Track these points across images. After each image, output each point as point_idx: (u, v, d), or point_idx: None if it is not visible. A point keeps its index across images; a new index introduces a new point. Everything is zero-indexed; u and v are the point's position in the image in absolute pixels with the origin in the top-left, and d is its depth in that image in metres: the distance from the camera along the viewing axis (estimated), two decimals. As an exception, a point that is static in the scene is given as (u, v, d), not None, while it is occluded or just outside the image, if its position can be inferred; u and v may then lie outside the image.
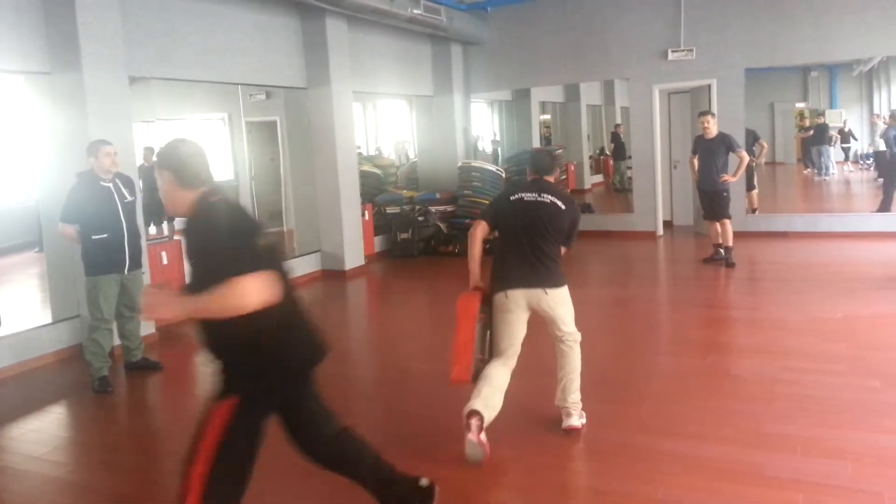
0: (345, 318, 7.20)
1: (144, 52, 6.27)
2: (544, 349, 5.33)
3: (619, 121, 16.54)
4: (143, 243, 5.26)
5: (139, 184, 5.76)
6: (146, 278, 5.89)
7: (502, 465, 3.55)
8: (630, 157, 10.81)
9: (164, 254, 6.37)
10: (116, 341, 5.28)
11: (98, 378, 4.89)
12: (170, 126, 11.21)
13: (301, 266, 8.38)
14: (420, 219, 9.82)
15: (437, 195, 10.03)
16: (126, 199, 4.92)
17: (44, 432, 4.41)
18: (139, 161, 6.53)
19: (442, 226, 9.83)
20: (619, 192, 15.06)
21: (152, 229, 8.54)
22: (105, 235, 4.85)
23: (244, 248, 2.20)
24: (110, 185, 4.90)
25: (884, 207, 9.75)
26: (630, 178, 11.17)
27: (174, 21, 6.62)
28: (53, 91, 5.61)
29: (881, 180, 11.87)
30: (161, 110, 10.11)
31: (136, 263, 5.06)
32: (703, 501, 3.05)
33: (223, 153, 11.72)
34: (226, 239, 2.22)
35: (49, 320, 5.81)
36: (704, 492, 3.11)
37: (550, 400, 3.93)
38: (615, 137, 15.74)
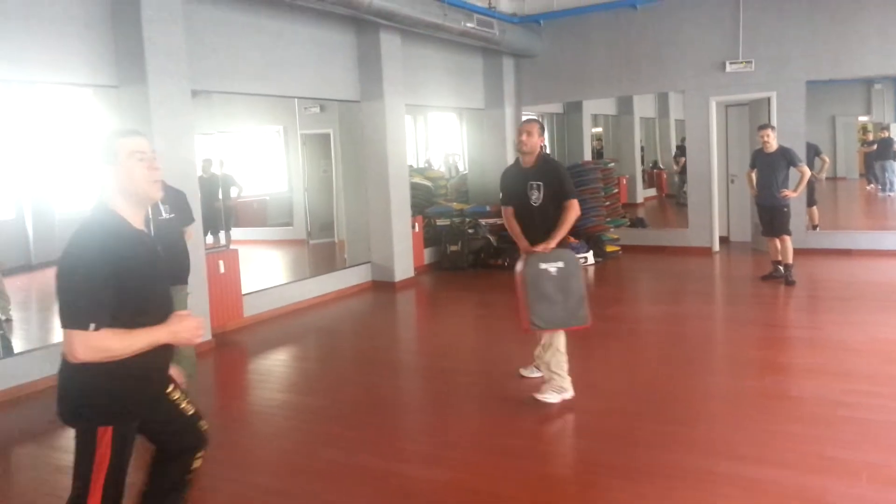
0: (393, 330, 7.24)
1: (207, 67, 6.47)
2: (605, 373, 5.25)
3: (673, 133, 16.26)
4: (191, 260, 4.98)
5: (195, 195, 5.88)
6: (202, 288, 6.05)
7: (555, 484, 3.51)
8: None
9: (221, 263, 6.51)
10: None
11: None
12: (228, 138, 11.54)
13: (351, 277, 8.48)
14: (470, 231, 9.84)
15: (488, 208, 10.03)
16: (161, 216, 4.49)
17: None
18: (199, 172, 6.70)
19: (492, 238, 9.82)
20: (683, 205, 14.72)
21: (209, 238, 8.77)
22: None
23: None
24: None
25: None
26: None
27: (235, 37, 6.81)
28: (120, 103, 5.83)
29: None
30: (220, 122, 10.41)
31: (174, 280, 4.51)
32: (761, 527, 2.96)
33: (278, 165, 12.01)
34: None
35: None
36: (763, 517, 3.02)
37: (611, 421, 3.89)
38: (682, 150, 15.45)
